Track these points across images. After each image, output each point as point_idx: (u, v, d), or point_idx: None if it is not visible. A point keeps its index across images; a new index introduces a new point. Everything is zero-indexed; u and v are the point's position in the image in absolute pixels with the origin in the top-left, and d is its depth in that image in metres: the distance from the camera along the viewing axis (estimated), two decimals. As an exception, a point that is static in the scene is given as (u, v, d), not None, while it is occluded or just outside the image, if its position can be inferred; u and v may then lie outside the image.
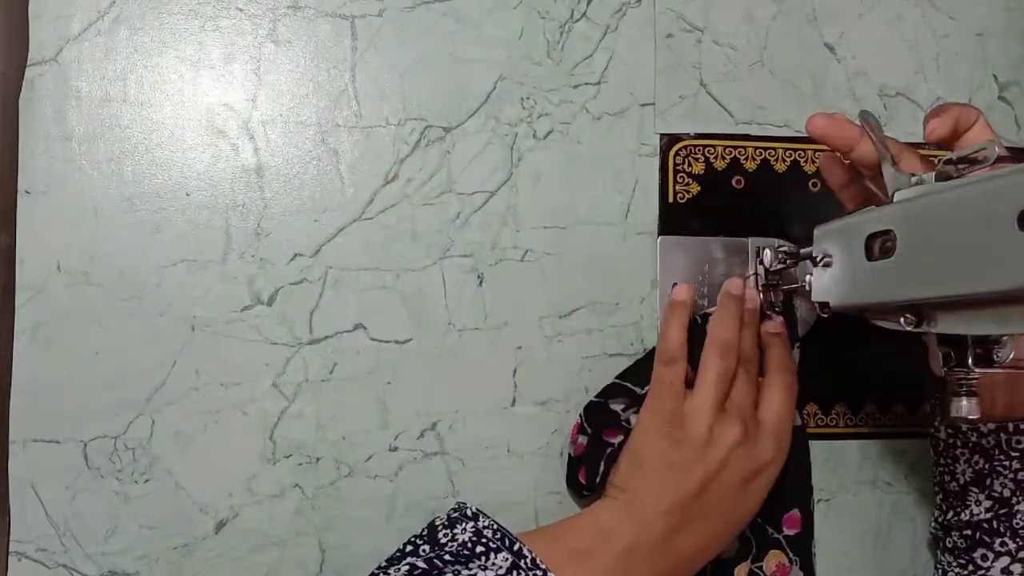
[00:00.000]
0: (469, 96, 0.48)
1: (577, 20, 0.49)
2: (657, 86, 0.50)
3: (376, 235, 0.47)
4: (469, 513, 0.42)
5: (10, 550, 0.43)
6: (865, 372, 0.50)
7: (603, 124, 0.49)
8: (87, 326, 0.44)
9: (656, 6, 0.50)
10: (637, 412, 0.45)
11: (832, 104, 0.51)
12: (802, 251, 0.45)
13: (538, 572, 0.38)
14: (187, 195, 0.46)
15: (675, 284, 0.46)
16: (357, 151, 0.47)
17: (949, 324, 0.36)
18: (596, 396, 0.47)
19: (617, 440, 0.44)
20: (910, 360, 0.45)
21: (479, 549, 0.40)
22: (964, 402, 0.40)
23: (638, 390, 0.46)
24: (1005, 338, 0.39)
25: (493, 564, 0.39)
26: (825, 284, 0.42)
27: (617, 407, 0.46)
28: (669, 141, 0.49)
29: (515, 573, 0.38)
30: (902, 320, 0.37)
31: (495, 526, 0.41)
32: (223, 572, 0.45)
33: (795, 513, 0.47)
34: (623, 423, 0.46)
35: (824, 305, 0.43)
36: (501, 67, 0.48)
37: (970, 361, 0.39)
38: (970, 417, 0.40)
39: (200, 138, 0.46)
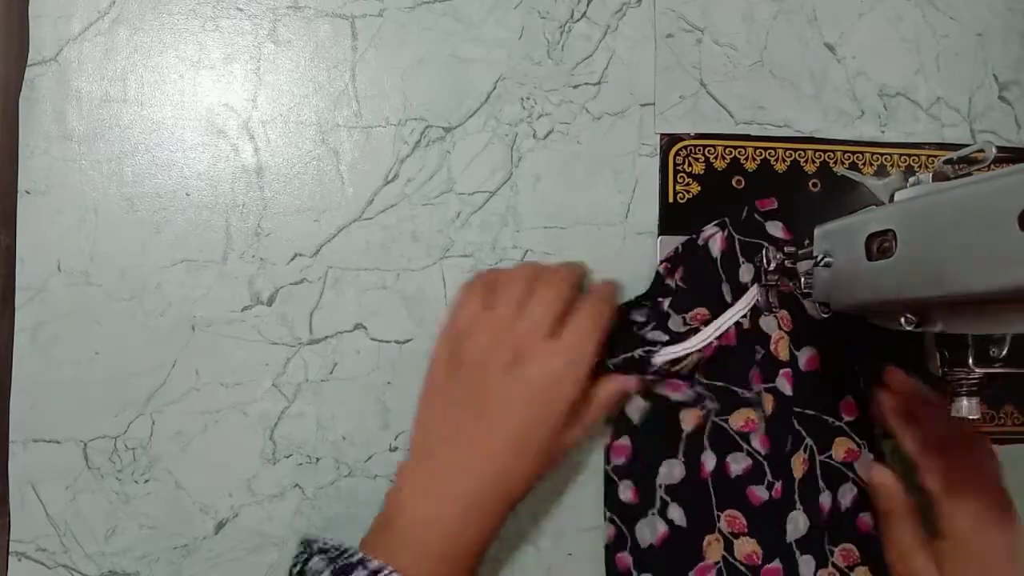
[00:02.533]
0: (469, 96, 0.48)
1: (577, 20, 0.49)
2: (657, 86, 0.50)
3: (376, 235, 0.47)
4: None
5: (10, 550, 0.44)
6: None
7: (603, 124, 0.49)
8: (87, 326, 0.44)
9: (656, 6, 0.50)
10: (656, 327, 0.46)
11: (832, 104, 0.51)
12: (802, 251, 0.45)
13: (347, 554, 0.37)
14: (187, 195, 0.46)
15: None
16: (357, 151, 0.47)
17: (949, 324, 0.36)
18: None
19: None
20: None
21: None
22: (964, 402, 0.40)
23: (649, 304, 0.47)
24: (1005, 338, 0.39)
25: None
26: (825, 284, 0.42)
27: (638, 318, 0.47)
28: (669, 141, 0.49)
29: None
30: (902, 320, 0.37)
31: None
32: (223, 572, 0.45)
33: (849, 399, 0.48)
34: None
35: (824, 305, 0.43)
36: (501, 67, 0.48)
37: (970, 361, 0.39)
38: (970, 417, 0.40)
39: (200, 138, 0.46)
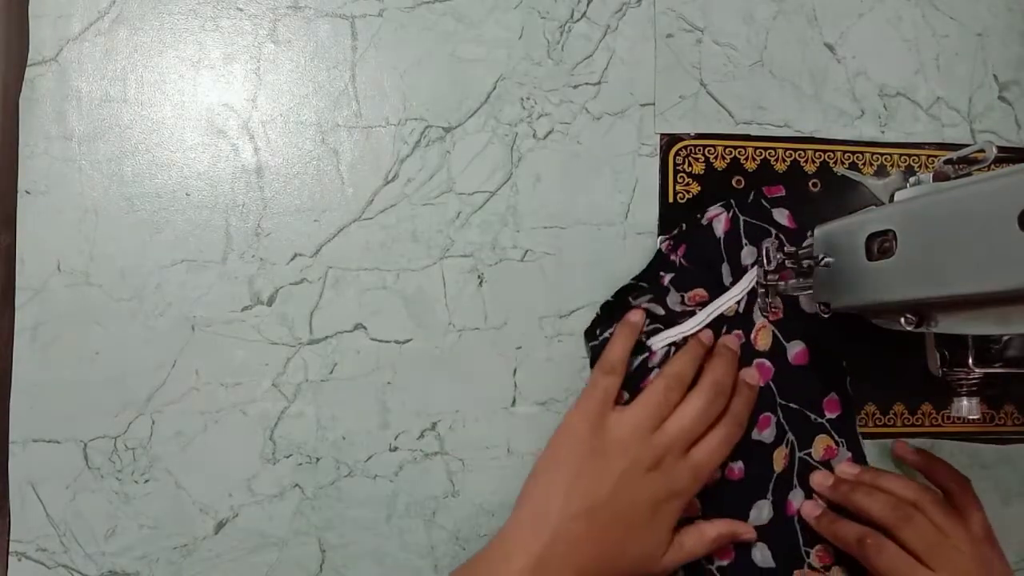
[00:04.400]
0: (469, 96, 0.48)
1: (577, 20, 0.49)
2: (657, 86, 0.50)
3: (376, 235, 0.47)
4: None
5: (10, 550, 0.43)
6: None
7: (603, 124, 0.49)
8: (87, 326, 0.44)
9: (656, 6, 0.50)
10: (654, 300, 0.46)
11: (832, 104, 0.51)
12: (802, 251, 0.45)
13: None
14: (187, 195, 0.46)
15: (632, 307, 0.47)
16: (357, 151, 0.47)
17: (949, 324, 0.36)
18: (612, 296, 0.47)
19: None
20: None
21: None
22: (964, 402, 0.40)
23: (648, 285, 0.47)
24: (1005, 338, 0.39)
25: None
26: (825, 284, 0.42)
27: (640, 301, 0.47)
28: (669, 141, 0.49)
29: None
30: (902, 320, 0.37)
31: None
32: (223, 572, 0.45)
33: (833, 396, 0.48)
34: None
35: (824, 305, 0.43)
36: (501, 67, 0.48)
37: (970, 361, 0.39)
38: (970, 417, 0.40)
39: (200, 138, 0.46)
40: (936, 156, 0.52)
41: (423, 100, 0.48)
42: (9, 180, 0.44)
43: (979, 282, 0.32)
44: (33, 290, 0.44)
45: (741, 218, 0.48)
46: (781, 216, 0.48)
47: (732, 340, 0.47)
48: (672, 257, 0.48)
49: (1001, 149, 0.36)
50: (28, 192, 0.45)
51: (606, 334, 0.46)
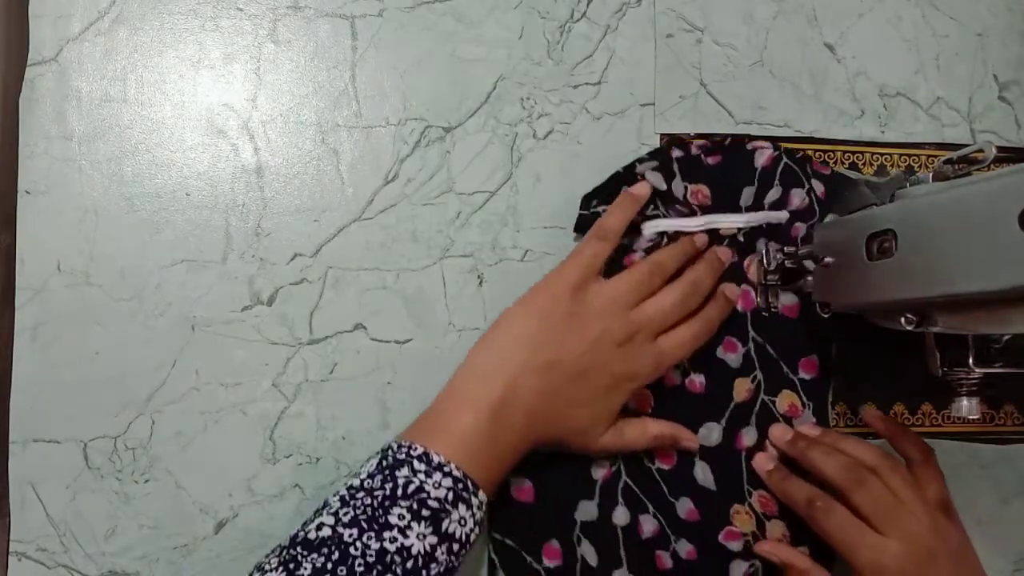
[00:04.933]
0: (469, 96, 0.48)
1: (577, 20, 0.49)
2: (657, 86, 0.50)
3: (376, 235, 0.47)
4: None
5: (10, 550, 0.43)
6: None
7: (603, 124, 0.49)
8: (87, 326, 0.44)
9: (656, 6, 0.50)
10: (659, 169, 0.46)
11: (832, 104, 0.51)
12: (802, 251, 0.45)
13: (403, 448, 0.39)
14: (187, 195, 0.46)
15: (638, 177, 0.47)
16: (357, 151, 0.47)
17: (949, 324, 0.36)
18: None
19: None
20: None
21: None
22: (964, 402, 0.40)
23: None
24: (1005, 338, 0.39)
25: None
26: (825, 284, 0.42)
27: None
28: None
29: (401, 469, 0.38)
30: (902, 320, 0.37)
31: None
32: (223, 572, 0.45)
33: (813, 358, 0.48)
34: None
35: (824, 305, 0.43)
36: (501, 67, 0.48)
37: (971, 361, 0.39)
38: (970, 417, 0.40)
39: (200, 138, 0.46)
40: (936, 156, 0.52)
41: (423, 100, 0.48)
42: (9, 180, 0.44)
43: (979, 282, 0.32)
44: (33, 290, 0.44)
45: (784, 160, 0.48)
46: (818, 187, 0.49)
47: (724, 251, 0.47)
48: (701, 156, 0.48)
49: (1001, 149, 0.36)
50: (28, 192, 0.45)
51: (600, 208, 0.46)
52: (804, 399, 0.48)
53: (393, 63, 0.47)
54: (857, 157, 0.51)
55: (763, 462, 0.46)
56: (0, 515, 0.43)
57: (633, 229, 0.46)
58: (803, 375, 0.48)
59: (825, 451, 0.44)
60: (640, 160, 0.47)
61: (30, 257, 0.44)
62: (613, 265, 0.46)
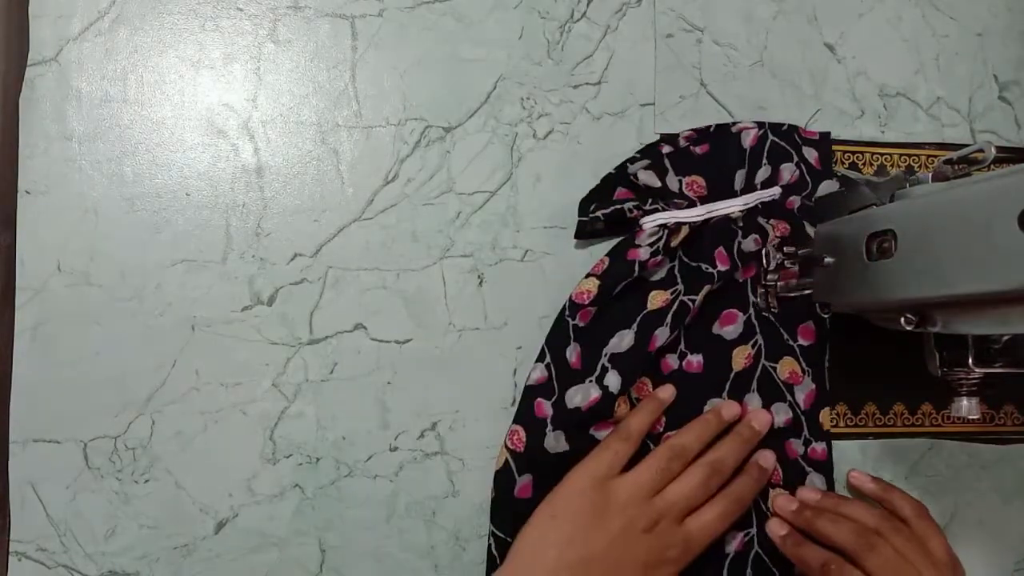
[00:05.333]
0: (469, 96, 0.48)
1: (577, 20, 0.49)
2: (657, 86, 0.50)
3: (376, 235, 0.47)
4: None
5: (10, 550, 0.43)
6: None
7: (603, 124, 0.49)
8: (87, 326, 0.44)
9: (656, 6, 0.50)
10: (651, 168, 0.46)
11: (832, 104, 0.51)
12: (802, 251, 0.45)
13: None
14: (187, 195, 0.46)
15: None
16: (357, 151, 0.47)
17: (949, 324, 0.36)
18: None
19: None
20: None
21: None
22: (964, 402, 0.40)
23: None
24: (1005, 338, 0.39)
25: None
26: (825, 284, 0.42)
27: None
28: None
29: None
30: (902, 320, 0.37)
31: None
32: (223, 572, 0.45)
33: (809, 325, 0.49)
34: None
35: (824, 305, 0.43)
36: (501, 67, 0.48)
37: (970, 361, 0.39)
38: (970, 417, 0.40)
39: (200, 138, 0.46)
40: (936, 156, 0.52)
41: (423, 100, 0.48)
42: (9, 180, 0.44)
43: (979, 282, 0.32)
44: (33, 290, 0.44)
45: (770, 138, 0.48)
46: (810, 155, 0.49)
47: (762, 418, 0.47)
48: (690, 147, 0.48)
49: (1001, 149, 0.36)
50: (28, 192, 0.45)
51: (598, 213, 0.46)
52: (803, 365, 0.48)
53: (393, 63, 0.47)
54: (857, 157, 0.51)
55: (776, 528, 0.47)
56: (0, 515, 0.43)
57: (634, 225, 0.46)
58: (801, 341, 0.48)
59: (831, 518, 0.45)
60: (631, 160, 0.48)
61: (30, 257, 0.44)
62: (617, 262, 0.46)
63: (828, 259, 0.41)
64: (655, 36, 0.50)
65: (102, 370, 0.44)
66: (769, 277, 0.48)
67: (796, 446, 0.48)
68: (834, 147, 0.50)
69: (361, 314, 0.46)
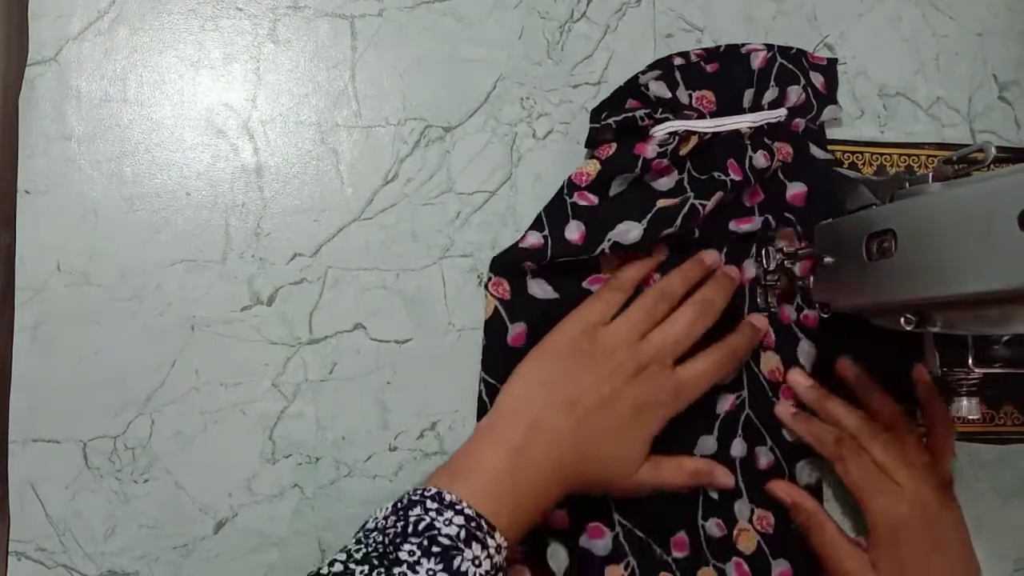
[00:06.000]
0: (469, 96, 0.48)
1: (577, 20, 0.49)
2: (657, 86, 0.50)
3: (376, 235, 0.47)
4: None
5: (10, 550, 0.43)
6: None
7: (603, 124, 0.49)
8: (87, 326, 0.44)
9: (656, 6, 0.50)
10: (662, 78, 0.46)
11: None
12: (801, 251, 0.45)
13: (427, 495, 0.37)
14: (187, 195, 0.46)
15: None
16: (357, 151, 0.47)
17: (949, 324, 0.36)
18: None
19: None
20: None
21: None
22: (964, 402, 0.40)
23: None
24: (1005, 338, 0.39)
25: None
26: (825, 284, 0.43)
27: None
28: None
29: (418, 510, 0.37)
30: (902, 320, 0.37)
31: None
32: (223, 572, 0.45)
33: (802, 188, 0.48)
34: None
35: (824, 305, 0.43)
36: (501, 67, 0.48)
37: (970, 361, 0.39)
38: (970, 417, 0.40)
39: (200, 138, 0.46)
40: (936, 156, 0.52)
41: (423, 100, 0.48)
42: (9, 180, 0.44)
43: (979, 282, 0.32)
44: (33, 290, 0.44)
45: (778, 60, 0.49)
46: (816, 79, 0.49)
47: (733, 269, 0.47)
48: (701, 63, 0.48)
49: (1001, 149, 0.36)
50: (28, 192, 0.45)
51: (610, 120, 0.46)
52: (798, 229, 0.48)
53: (393, 63, 0.47)
54: (857, 157, 0.51)
55: (785, 408, 0.47)
56: (0, 515, 0.43)
57: (645, 133, 0.46)
58: (792, 203, 0.48)
59: (843, 403, 0.46)
60: (643, 72, 0.48)
61: (30, 257, 0.44)
62: (622, 152, 0.46)
63: (828, 259, 0.41)
64: (655, 36, 0.50)
65: (102, 370, 0.44)
66: (769, 277, 0.48)
67: (789, 312, 0.48)
68: (834, 147, 0.50)
69: (361, 314, 0.46)
